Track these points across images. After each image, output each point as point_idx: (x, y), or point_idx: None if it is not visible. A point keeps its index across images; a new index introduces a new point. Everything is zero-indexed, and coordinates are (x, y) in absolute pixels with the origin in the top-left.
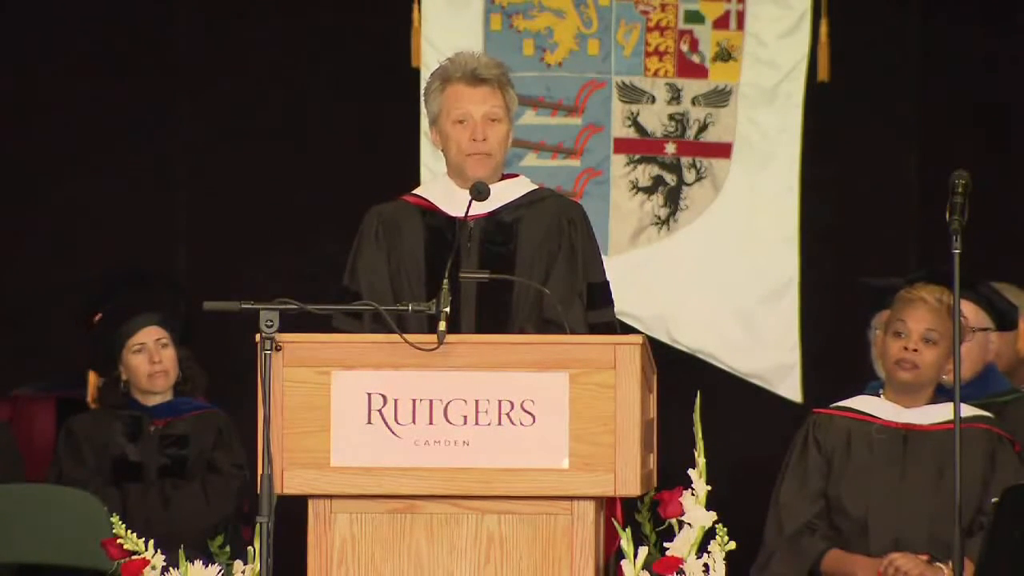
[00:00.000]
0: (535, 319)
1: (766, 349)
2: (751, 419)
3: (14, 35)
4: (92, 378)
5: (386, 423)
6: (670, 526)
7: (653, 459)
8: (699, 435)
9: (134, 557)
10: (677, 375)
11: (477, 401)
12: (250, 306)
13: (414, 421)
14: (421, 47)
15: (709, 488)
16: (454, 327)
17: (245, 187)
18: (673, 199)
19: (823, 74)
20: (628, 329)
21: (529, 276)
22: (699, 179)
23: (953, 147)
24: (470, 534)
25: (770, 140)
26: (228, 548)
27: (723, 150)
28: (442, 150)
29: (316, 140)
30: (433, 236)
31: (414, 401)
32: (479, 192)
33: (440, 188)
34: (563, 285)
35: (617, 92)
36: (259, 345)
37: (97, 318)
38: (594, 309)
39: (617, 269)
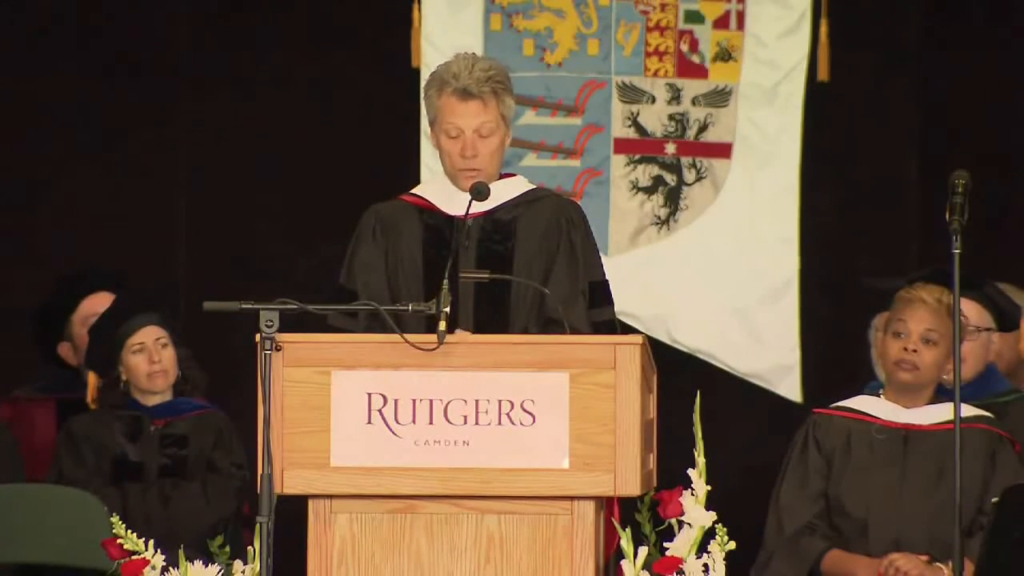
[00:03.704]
0: (536, 318)
1: (766, 349)
2: (751, 419)
3: (14, 35)
4: (92, 378)
5: (386, 423)
6: (670, 526)
7: (653, 459)
8: (699, 435)
9: (134, 557)
10: (677, 375)
11: (477, 401)
12: (250, 306)
13: (414, 421)
14: (421, 47)
15: (709, 488)
16: (452, 326)
17: (245, 187)
18: (673, 199)
19: (823, 74)
20: (628, 329)
21: (527, 275)
22: (699, 179)
23: (953, 147)
24: (470, 534)
25: (770, 140)
26: (228, 548)
27: (723, 150)
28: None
29: (316, 140)
30: (431, 235)
31: (414, 401)
32: (479, 192)
33: (439, 187)
34: (564, 284)
35: (617, 92)
36: (259, 345)
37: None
38: (594, 308)
39: (617, 269)
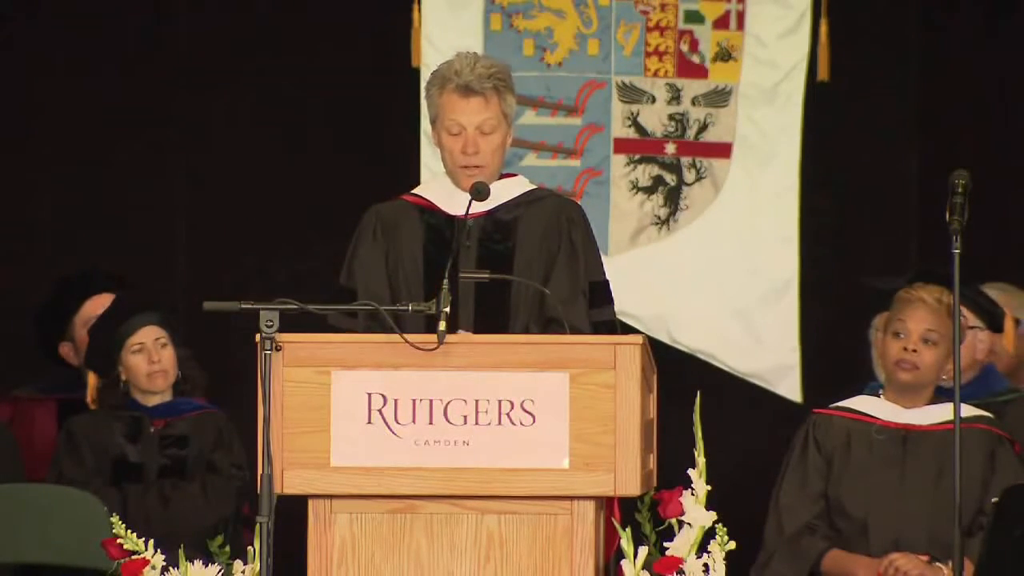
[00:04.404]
0: (537, 318)
1: (766, 349)
2: (751, 419)
3: (14, 35)
4: (92, 379)
5: (386, 423)
6: (670, 526)
7: (653, 459)
8: (699, 435)
9: (134, 557)
10: (677, 375)
11: (477, 401)
12: (250, 306)
13: (414, 421)
14: (421, 47)
15: (709, 488)
16: (452, 326)
17: (245, 187)
18: (673, 199)
19: (823, 74)
20: (628, 329)
21: (528, 275)
22: (699, 179)
23: (953, 147)
24: (470, 534)
25: (770, 140)
26: (228, 548)
27: (723, 150)
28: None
29: (316, 140)
30: (432, 234)
31: (414, 401)
32: (479, 192)
33: (439, 187)
34: (565, 284)
35: (617, 92)
36: (259, 345)
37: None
38: (594, 308)
39: (617, 269)
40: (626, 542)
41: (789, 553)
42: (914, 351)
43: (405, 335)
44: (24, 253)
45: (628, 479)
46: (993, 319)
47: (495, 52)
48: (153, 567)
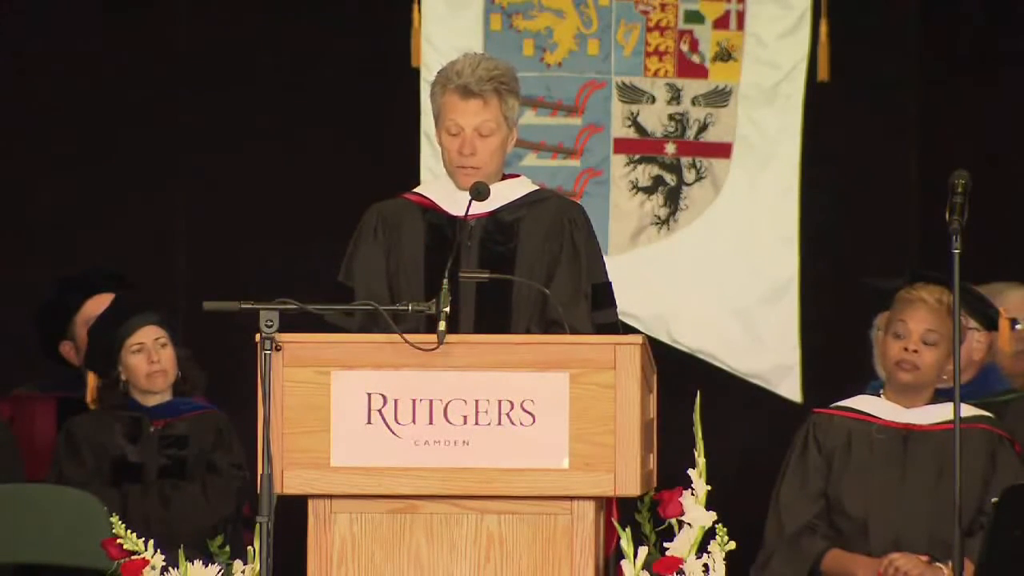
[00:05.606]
0: (538, 320)
1: (766, 349)
2: (751, 419)
3: (14, 35)
4: (91, 379)
5: (386, 423)
6: (670, 526)
7: (653, 459)
8: (699, 435)
9: (134, 557)
10: (677, 375)
11: (477, 401)
12: (250, 306)
13: (414, 421)
14: (421, 47)
15: (709, 488)
16: (453, 327)
17: (244, 188)
18: (673, 199)
19: (823, 74)
20: (628, 329)
21: (530, 276)
22: (699, 179)
23: (953, 147)
24: (470, 534)
25: (770, 140)
26: (228, 548)
27: (723, 150)
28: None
29: (316, 140)
30: (433, 234)
31: (414, 401)
32: (479, 192)
33: (441, 187)
34: (567, 285)
35: (617, 92)
36: (259, 345)
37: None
38: (597, 310)
39: (617, 269)
40: (626, 542)
41: (789, 553)
42: (914, 351)
43: (405, 335)
44: (24, 253)
45: (628, 479)
46: (988, 319)
47: (495, 52)
48: (153, 567)
